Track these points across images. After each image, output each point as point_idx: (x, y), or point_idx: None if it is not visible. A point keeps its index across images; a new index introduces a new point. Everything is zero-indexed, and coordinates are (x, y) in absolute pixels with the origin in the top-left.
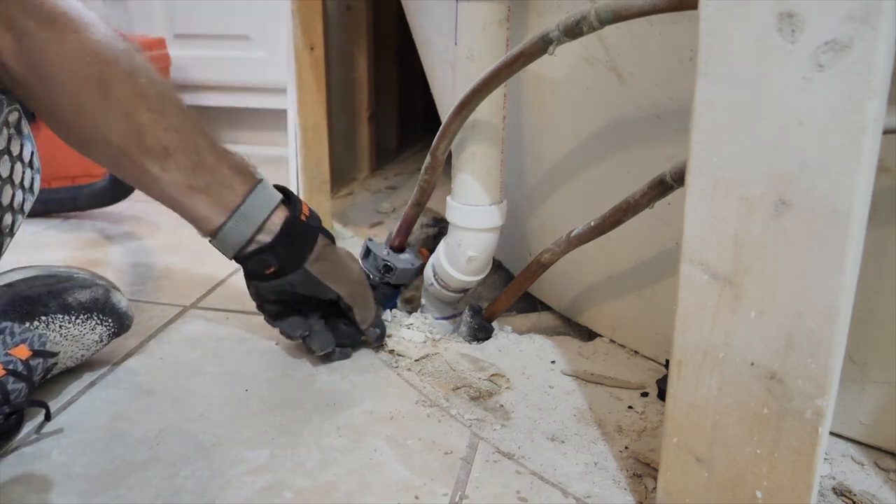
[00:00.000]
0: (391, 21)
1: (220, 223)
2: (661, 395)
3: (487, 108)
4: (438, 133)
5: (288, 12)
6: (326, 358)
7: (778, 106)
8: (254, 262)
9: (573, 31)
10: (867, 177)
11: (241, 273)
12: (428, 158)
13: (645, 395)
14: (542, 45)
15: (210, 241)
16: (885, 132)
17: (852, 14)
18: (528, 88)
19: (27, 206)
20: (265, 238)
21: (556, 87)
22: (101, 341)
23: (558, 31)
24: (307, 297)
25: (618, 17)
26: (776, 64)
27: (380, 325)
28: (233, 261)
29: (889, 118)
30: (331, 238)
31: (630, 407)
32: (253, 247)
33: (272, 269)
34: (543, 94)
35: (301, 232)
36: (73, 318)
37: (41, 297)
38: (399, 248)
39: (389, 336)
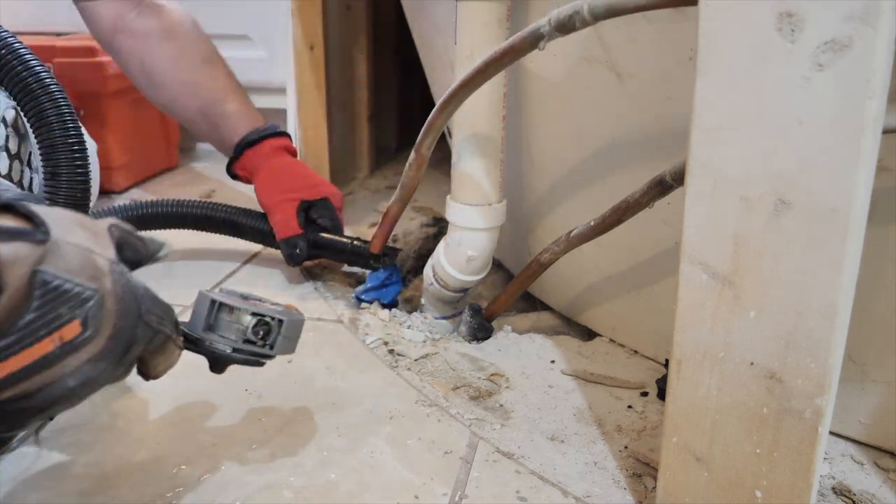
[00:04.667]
0: (391, 21)
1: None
2: (661, 395)
3: (487, 108)
4: (423, 128)
5: (288, 12)
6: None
7: (778, 106)
8: None
9: (565, 25)
10: (867, 176)
11: (240, 273)
12: (412, 154)
13: (645, 394)
14: (532, 41)
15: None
16: (885, 132)
17: (852, 13)
18: (528, 88)
19: None
20: None
21: (555, 87)
22: None
23: (549, 25)
24: None
25: (611, 12)
26: (776, 63)
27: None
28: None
29: (889, 118)
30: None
31: (630, 406)
32: None
33: None
34: (543, 93)
35: None
36: None
37: None
38: (379, 248)
39: (389, 335)
